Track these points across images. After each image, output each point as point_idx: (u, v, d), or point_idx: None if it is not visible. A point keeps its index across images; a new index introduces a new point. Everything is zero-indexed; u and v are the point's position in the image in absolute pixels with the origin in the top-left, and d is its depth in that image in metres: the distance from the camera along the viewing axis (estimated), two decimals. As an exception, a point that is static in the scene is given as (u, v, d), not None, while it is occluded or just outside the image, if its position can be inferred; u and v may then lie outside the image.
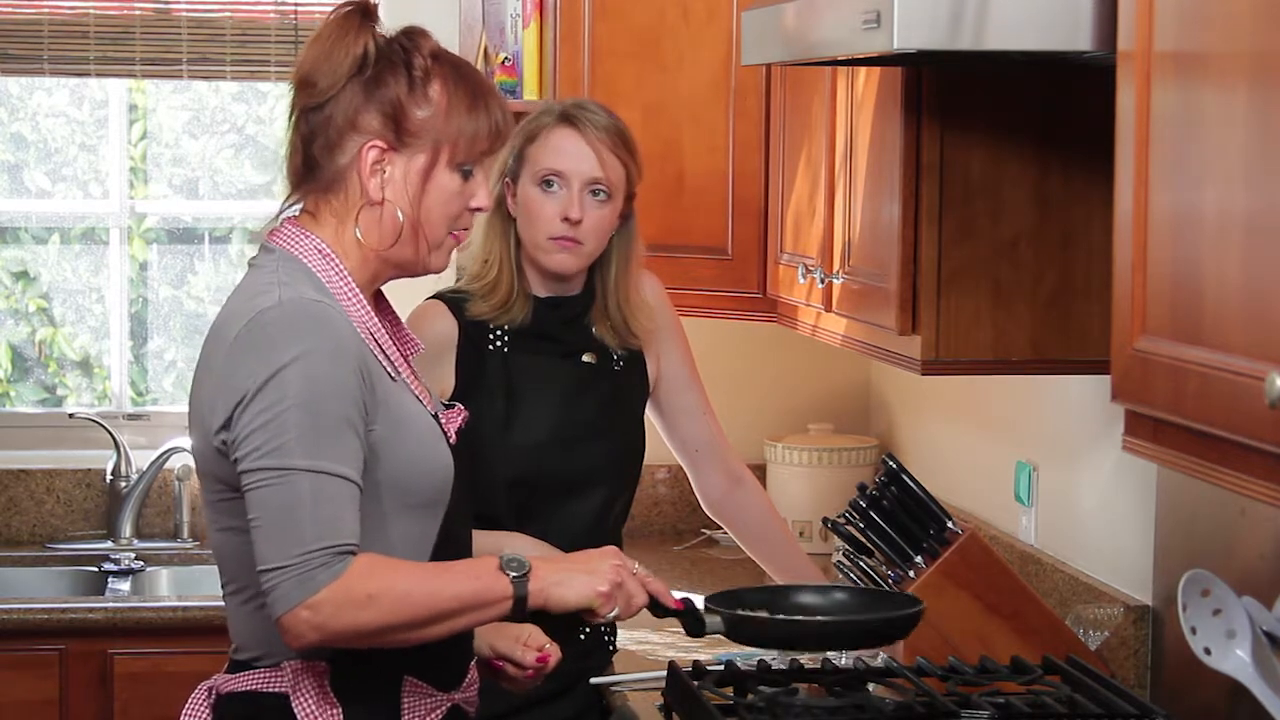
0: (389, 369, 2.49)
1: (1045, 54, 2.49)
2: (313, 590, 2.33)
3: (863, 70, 3.14)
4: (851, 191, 3.24)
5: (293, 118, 2.53)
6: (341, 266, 2.50)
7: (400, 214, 2.50)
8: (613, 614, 2.52)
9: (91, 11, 4.56)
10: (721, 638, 2.76)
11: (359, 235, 2.50)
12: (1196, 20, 2.03)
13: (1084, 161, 2.92)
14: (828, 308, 3.38)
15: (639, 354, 3.35)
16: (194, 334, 4.87)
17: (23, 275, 4.88)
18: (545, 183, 3.21)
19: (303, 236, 2.51)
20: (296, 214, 2.56)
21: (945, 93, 2.93)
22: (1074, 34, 2.39)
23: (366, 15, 2.52)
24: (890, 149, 3.01)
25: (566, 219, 3.19)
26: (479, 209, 2.56)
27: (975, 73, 2.92)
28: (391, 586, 2.37)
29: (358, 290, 2.50)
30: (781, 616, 2.88)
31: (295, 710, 2.45)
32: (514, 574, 2.43)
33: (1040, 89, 2.93)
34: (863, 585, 3.15)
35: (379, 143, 2.48)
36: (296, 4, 4.61)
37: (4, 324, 4.86)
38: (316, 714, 2.45)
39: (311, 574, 2.33)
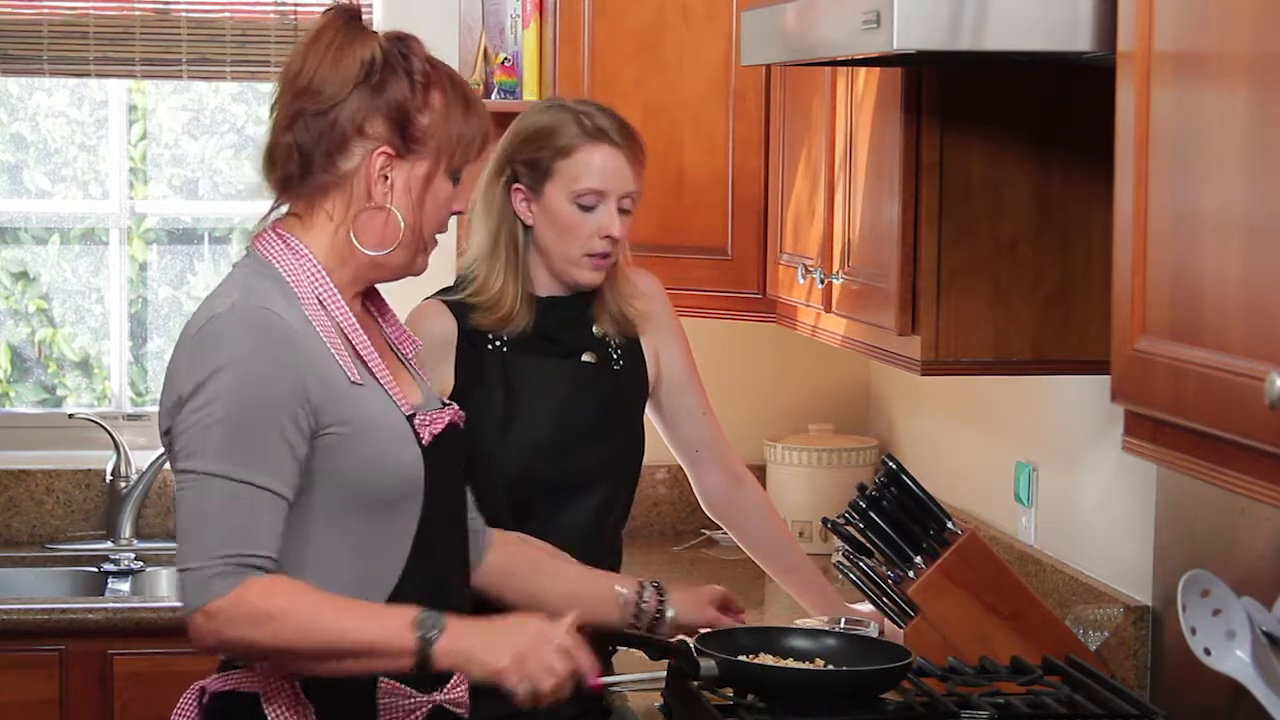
0: (350, 372, 2.48)
1: (1045, 54, 2.49)
2: (208, 597, 2.36)
3: (862, 70, 3.14)
4: (851, 192, 3.23)
5: (281, 120, 2.52)
6: (318, 269, 2.50)
7: (401, 220, 2.51)
8: (524, 689, 2.41)
9: (91, 12, 4.56)
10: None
11: (354, 239, 2.51)
12: (1196, 20, 2.03)
13: (1084, 161, 2.92)
14: (827, 308, 3.38)
15: (639, 354, 3.35)
16: (194, 334, 4.87)
17: (22, 275, 4.88)
18: (585, 201, 3.19)
19: (280, 241, 2.52)
20: (283, 217, 2.56)
21: (945, 93, 2.93)
22: (1074, 34, 2.39)
23: (359, 19, 2.53)
24: (890, 149, 3.01)
25: (608, 236, 3.19)
26: (458, 213, 2.60)
27: (975, 73, 2.92)
28: (292, 612, 2.37)
29: (335, 292, 2.51)
30: (777, 664, 2.89)
31: (266, 712, 2.46)
32: (422, 633, 2.39)
33: (1040, 89, 2.93)
34: (857, 625, 3.17)
35: (387, 149, 2.50)
36: (296, 4, 4.61)
37: (4, 324, 4.86)
38: (288, 716, 2.45)
39: (209, 581, 2.36)
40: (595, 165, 3.19)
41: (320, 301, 2.49)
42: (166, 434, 2.45)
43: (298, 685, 2.47)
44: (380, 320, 2.66)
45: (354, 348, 2.51)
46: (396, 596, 2.50)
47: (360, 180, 2.51)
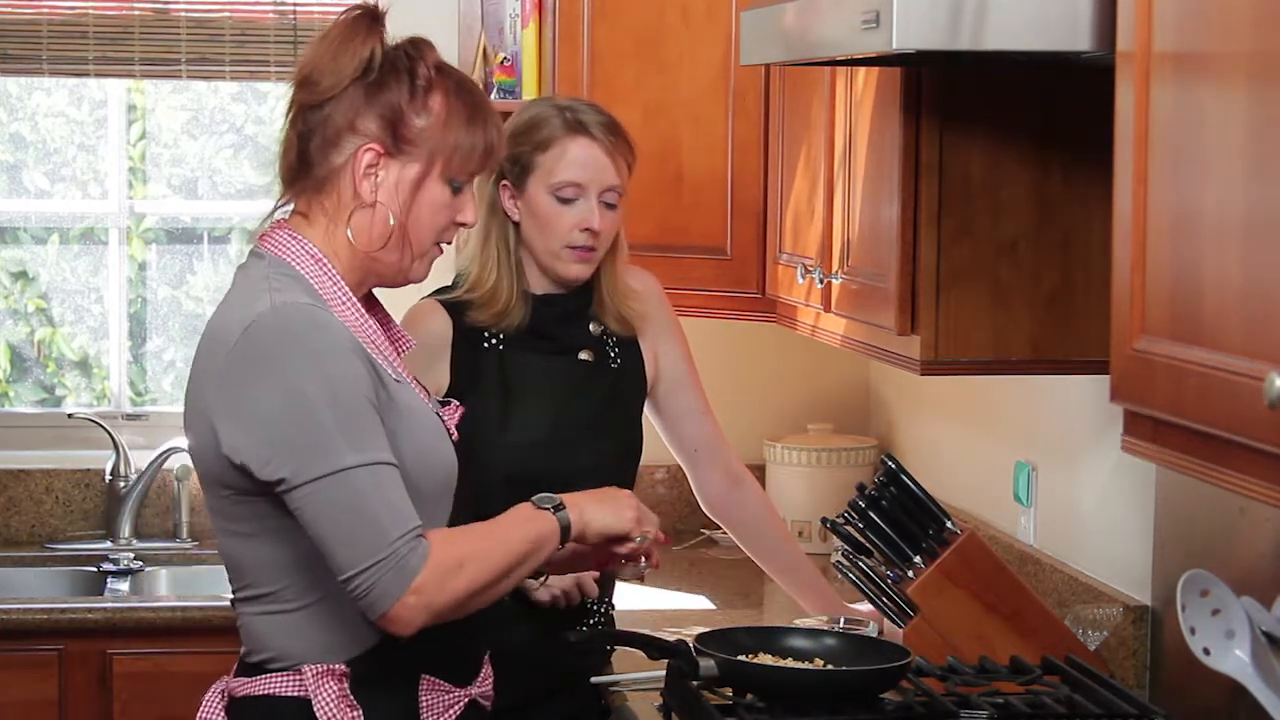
0: (389, 370, 2.50)
1: (1045, 54, 2.49)
2: (412, 575, 2.37)
3: (862, 70, 3.14)
4: (850, 191, 3.23)
5: (290, 115, 2.54)
6: (334, 271, 2.51)
7: (391, 218, 2.51)
8: (641, 539, 2.59)
9: (90, 12, 4.56)
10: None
11: (350, 236, 2.51)
12: (1196, 20, 2.03)
13: (1084, 161, 2.92)
14: (827, 308, 3.38)
15: (636, 353, 3.35)
16: (193, 334, 4.86)
17: (22, 275, 4.88)
18: (563, 194, 3.20)
19: (293, 241, 2.52)
20: (287, 216, 2.56)
21: (945, 93, 2.93)
22: (1073, 34, 2.39)
23: (375, 20, 2.53)
24: (889, 149, 3.01)
25: (588, 229, 3.19)
26: (464, 224, 2.58)
27: (975, 73, 2.92)
28: (471, 550, 2.44)
29: (351, 295, 2.51)
30: (776, 664, 2.89)
31: (317, 714, 2.44)
32: (552, 507, 2.52)
33: (1040, 89, 2.93)
34: (856, 624, 3.16)
35: (375, 146, 2.50)
36: (295, 4, 4.61)
37: (3, 324, 4.86)
38: (337, 717, 2.44)
39: (405, 561, 2.37)
40: (571, 157, 3.20)
41: (344, 303, 2.50)
42: (239, 452, 2.39)
43: (346, 686, 2.47)
44: (377, 320, 2.66)
45: (376, 348, 2.51)
46: None
47: (348, 175, 2.50)
